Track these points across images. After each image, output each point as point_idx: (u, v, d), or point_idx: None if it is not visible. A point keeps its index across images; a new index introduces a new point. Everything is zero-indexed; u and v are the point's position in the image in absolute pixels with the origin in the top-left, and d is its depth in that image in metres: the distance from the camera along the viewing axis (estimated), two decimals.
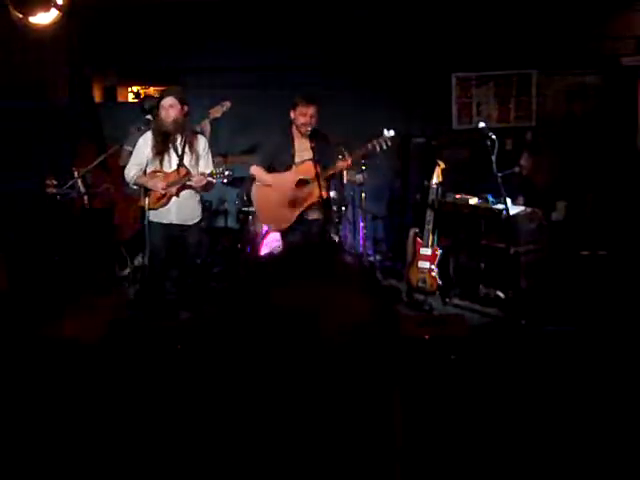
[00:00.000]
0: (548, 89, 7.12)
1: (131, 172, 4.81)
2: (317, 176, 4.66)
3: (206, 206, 6.52)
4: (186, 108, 4.73)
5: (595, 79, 7.05)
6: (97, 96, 7.63)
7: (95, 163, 4.62)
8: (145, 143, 4.77)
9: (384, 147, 4.75)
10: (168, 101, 4.63)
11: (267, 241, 6.00)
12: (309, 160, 4.76)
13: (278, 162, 4.95)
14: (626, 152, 6.77)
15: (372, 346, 0.67)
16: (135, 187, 4.90)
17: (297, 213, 4.91)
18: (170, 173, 4.75)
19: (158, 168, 4.76)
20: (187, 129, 4.78)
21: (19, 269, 4.97)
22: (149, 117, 5.52)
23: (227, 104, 5.66)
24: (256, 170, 5.00)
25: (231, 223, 6.71)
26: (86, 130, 6.78)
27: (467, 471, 2.55)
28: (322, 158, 4.82)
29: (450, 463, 2.59)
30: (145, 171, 4.82)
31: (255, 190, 5.14)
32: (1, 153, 5.69)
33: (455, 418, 2.94)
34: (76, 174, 4.86)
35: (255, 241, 6.17)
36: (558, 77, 7.08)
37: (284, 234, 5.08)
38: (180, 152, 4.74)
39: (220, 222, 6.89)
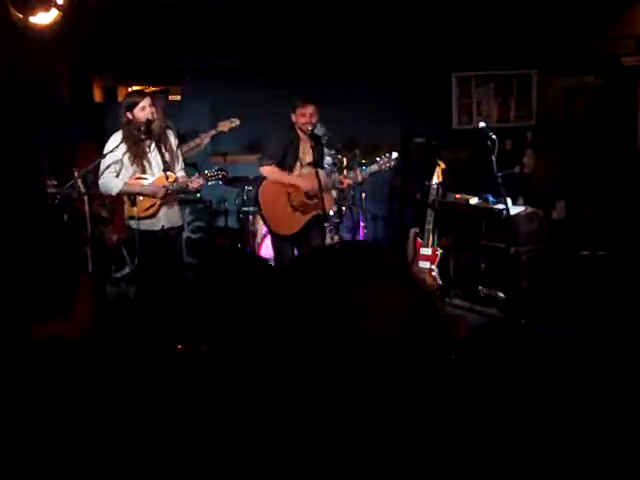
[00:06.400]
0: (548, 89, 7.12)
1: (119, 183, 4.54)
2: (319, 189, 4.60)
3: (206, 206, 6.54)
4: (156, 109, 4.55)
5: (595, 79, 7.04)
6: (97, 96, 7.63)
7: (95, 163, 4.60)
8: (117, 146, 4.48)
9: (388, 168, 5.00)
10: (146, 101, 4.47)
11: (267, 242, 6.00)
12: (313, 168, 4.64)
13: (284, 162, 4.81)
14: (626, 152, 6.77)
15: (420, 343, 0.67)
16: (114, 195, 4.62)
17: (307, 219, 4.79)
18: (159, 178, 4.53)
19: (139, 174, 4.53)
20: (160, 129, 4.55)
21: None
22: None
23: (236, 122, 5.57)
24: (269, 170, 4.80)
25: (231, 223, 6.71)
26: (86, 130, 6.77)
27: (467, 471, 2.55)
28: (320, 160, 4.83)
29: (450, 462, 2.58)
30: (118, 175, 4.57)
31: (263, 192, 4.88)
32: (1, 153, 5.68)
33: (455, 418, 2.93)
34: (76, 174, 4.83)
35: (255, 241, 6.17)
36: (558, 77, 7.08)
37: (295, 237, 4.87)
38: (162, 155, 4.53)
39: (220, 222, 6.89)
